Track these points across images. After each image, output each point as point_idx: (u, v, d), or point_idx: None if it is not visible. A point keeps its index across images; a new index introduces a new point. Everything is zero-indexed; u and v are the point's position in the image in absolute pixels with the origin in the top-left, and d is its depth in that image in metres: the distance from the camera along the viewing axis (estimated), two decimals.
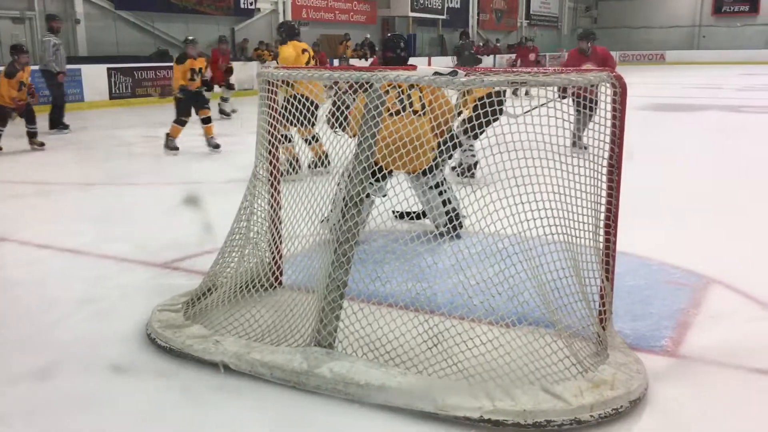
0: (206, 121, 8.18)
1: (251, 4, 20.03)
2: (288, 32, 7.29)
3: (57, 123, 10.22)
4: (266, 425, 2.40)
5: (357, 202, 2.78)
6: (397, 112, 3.93)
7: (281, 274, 3.40)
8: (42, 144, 8.50)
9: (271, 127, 3.21)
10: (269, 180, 3.29)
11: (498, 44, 27.74)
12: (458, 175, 5.94)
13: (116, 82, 14.39)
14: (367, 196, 2.90)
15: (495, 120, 2.83)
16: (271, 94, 3.19)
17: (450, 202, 4.22)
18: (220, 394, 2.57)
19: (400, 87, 3.95)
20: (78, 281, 3.84)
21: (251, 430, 2.36)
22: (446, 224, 4.00)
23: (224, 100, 12.59)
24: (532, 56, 17.34)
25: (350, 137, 3.45)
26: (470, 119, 4.49)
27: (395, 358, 2.62)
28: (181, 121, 8.03)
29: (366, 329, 2.74)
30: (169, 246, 4.37)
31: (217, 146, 8.20)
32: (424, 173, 4.13)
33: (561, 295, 2.77)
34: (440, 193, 4.23)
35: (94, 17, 16.13)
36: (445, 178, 4.33)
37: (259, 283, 3.21)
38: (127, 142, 9.34)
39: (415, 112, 4.01)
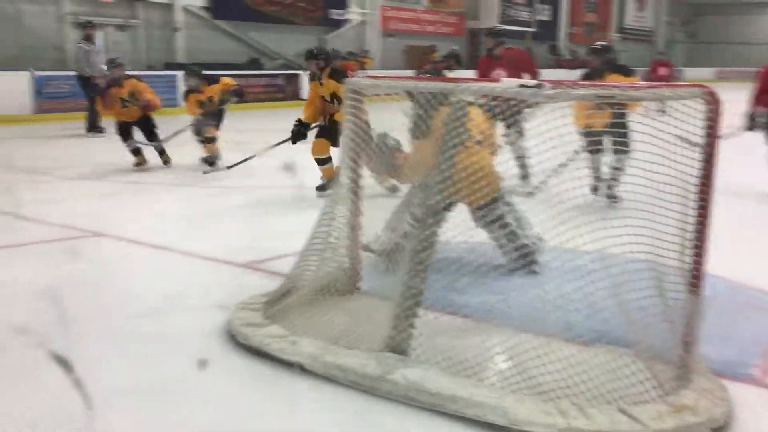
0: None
1: (341, 14, 20.42)
2: (328, 58, 6.43)
3: (92, 126, 10.60)
4: (338, 427, 2.43)
5: (436, 212, 2.79)
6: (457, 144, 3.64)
7: (359, 279, 3.44)
8: (167, 162, 7.94)
9: (355, 135, 3.27)
10: (351, 187, 3.35)
11: (588, 58, 27.14)
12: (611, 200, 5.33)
13: None
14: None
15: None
16: (357, 102, 3.24)
17: (517, 237, 3.74)
18: (294, 393, 2.62)
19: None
20: (164, 277, 4.01)
21: (322, 430, 2.40)
22: (518, 261, 3.61)
23: None
24: (663, 71, 15.66)
25: (400, 182, 3.40)
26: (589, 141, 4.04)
27: (468, 369, 2.61)
28: (205, 139, 7.71)
29: (440, 338, 2.74)
30: (251, 247, 4.51)
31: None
32: (481, 207, 3.67)
33: (643, 315, 2.68)
34: (501, 227, 3.72)
35: (192, 26, 16.83)
36: (511, 208, 3.81)
37: (336, 287, 3.26)
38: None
39: (473, 140, 3.56)
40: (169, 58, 16.13)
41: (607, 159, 5.28)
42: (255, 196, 6.14)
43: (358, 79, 3.26)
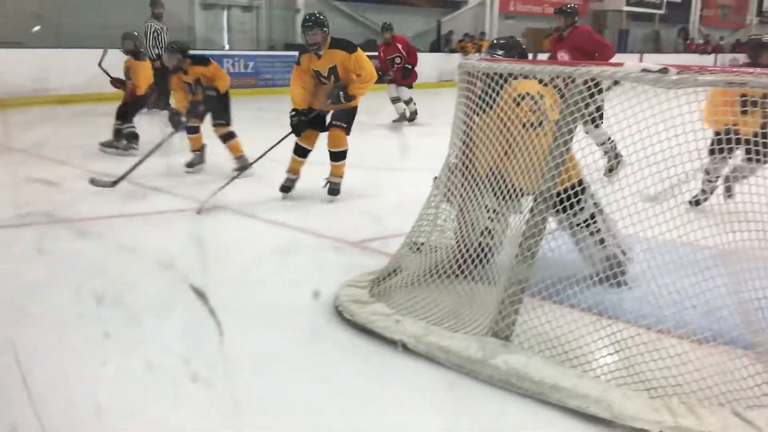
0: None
1: None
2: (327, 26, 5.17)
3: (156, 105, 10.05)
4: (437, 407, 2.46)
5: (547, 198, 2.74)
6: (535, 125, 3.12)
7: (464, 262, 3.43)
8: (117, 148, 7.32)
9: (467, 117, 3.25)
10: (461, 169, 3.33)
11: (722, 42, 25.62)
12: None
13: None
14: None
15: None
16: (471, 85, 3.22)
17: (605, 244, 3.25)
18: (395, 371, 2.67)
19: (536, 95, 3.21)
20: (279, 251, 4.16)
21: (422, 410, 2.44)
22: (606, 272, 3.00)
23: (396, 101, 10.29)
24: None
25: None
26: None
27: (573, 360, 2.56)
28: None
29: (545, 326, 2.70)
30: (362, 226, 4.60)
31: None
32: (566, 210, 3.12)
33: (766, 316, 2.54)
34: (592, 233, 3.28)
35: (312, 7, 17.14)
36: (598, 210, 3.28)
37: (442, 269, 3.27)
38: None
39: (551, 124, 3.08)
40: (289, 38, 16.57)
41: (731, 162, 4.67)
42: (367, 177, 6.22)
43: (471, 61, 3.23)
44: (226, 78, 6.46)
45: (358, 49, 5.29)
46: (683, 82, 2.38)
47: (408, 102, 10.18)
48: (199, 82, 6.40)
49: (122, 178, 5.56)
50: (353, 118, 5.42)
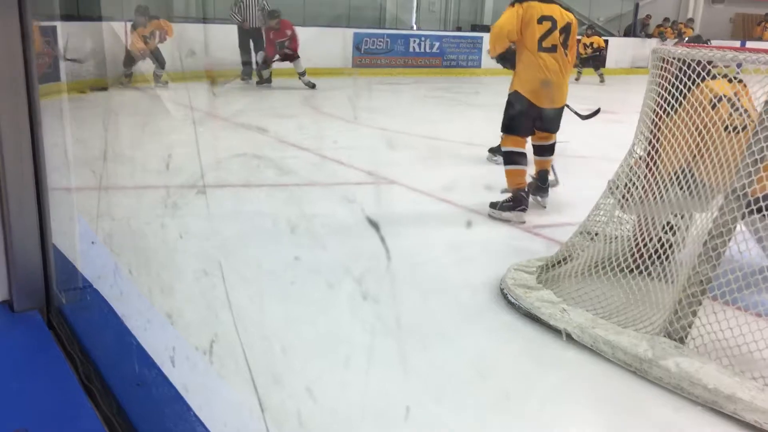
0: None
1: None
2: None
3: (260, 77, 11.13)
4: (598, 403, 2.39)
5: (739, 196, 2.54)
6: (735, 129, 2.86)
7: (641, 257, 3.28)
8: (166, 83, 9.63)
9: (657, 106, 3.08)
10: (645, 161, 3.18)
11: None
12: None
13: None
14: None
15: None
16: (664, 72, 3.04)
17: None
18: (556, 360, 2.63)
19: (732, 96, 2.98)
20: (449, 229, 4.22)
21: (581, 404, 2.38)
22: None
23: None
24: None
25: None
26: None
27: (753, 371, 2.37)
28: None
29: (725, 333, 2.51)
30: (533, 212, 4.52)
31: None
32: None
33: None
34: None
35: None
36: None
37: (615, 262, 3.14)
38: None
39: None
40: (476, 20, 16.50)
41: None
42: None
43: (667, 47, 3.05)
44: None
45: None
46: None
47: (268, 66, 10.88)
48: (152, 34, 9.55)
49: None
50: (507, 110, 4.39)
